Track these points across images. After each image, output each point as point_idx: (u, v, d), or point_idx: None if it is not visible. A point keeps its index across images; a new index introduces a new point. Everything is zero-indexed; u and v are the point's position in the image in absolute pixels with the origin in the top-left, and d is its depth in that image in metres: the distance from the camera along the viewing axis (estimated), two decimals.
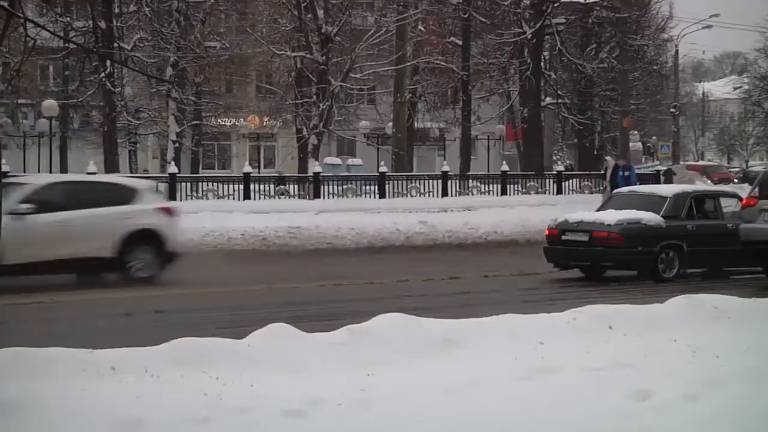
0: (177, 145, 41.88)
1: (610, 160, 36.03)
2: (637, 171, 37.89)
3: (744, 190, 36.36)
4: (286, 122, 42.43)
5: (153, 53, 42.40)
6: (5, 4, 7.97)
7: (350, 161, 50.14)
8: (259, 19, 43.08)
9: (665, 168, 46.31)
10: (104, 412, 7.60)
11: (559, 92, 48.87)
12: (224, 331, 11.79)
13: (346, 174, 41.88)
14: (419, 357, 9.58)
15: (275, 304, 16.37)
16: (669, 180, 40.27)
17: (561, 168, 42.89)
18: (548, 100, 49.47)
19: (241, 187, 33.28)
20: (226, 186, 33.67)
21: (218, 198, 32.84)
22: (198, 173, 42.69)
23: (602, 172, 37.38)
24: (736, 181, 54.65)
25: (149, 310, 15.64)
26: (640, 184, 36.23)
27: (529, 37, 44.55)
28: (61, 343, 9.07)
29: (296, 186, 34.83)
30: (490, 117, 51.38)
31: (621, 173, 33.70)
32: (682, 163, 64.45)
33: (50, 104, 42.00)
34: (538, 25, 44.37)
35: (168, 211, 20.35)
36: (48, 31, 9.69)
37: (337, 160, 48.99)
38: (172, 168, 34.04)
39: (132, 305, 16.23)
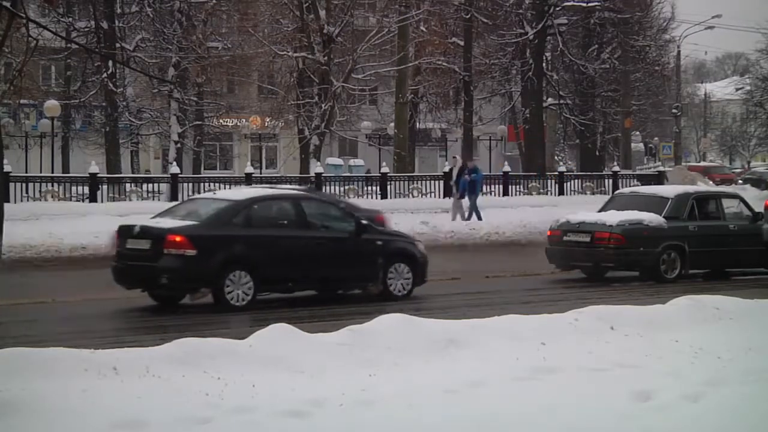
0: (179, 145, 41.85)
1: (457, 159, 34.02)
2: (638, 172, 37.01)
3: (746, 190, 36.32)
4: (288, 123, 42.32)
5: (155, 53, 42.34)
6: (8, 5, 7.98)
7: (352, 162, 50.13)
8: (260, 19, 43.00)
9: (660, 171, 45.43)
10: (105, 412, 7.61)
11: (560, 93, 48.79)
12: (225, 331, 11.81)
13: (348, 174, 41.86)
14: (420, 357, 9.58)
15: (277, 304, 16.36)
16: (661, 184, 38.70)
17: (563, 169, 42.82)
18: (550, 100, 49.39)
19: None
20: (227, 186, 33.63)
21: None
22: (200, 174, 42.63)
23: (448, 170, 35.20)
24: (740, 181, 54.43)
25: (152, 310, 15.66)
26: (641, 185, 35.88)
27: (531, 37, 44.49)
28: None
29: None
30: (491, 118, 51.30)
31: (467, 175, 31.89)
32: (684, 163, 64.30)
33: (52, 104, 41.93)
34: (540, 25, 44.31)
35: None
36: (50, 31, 9.67)
37: (339, 161, 48.99)
38: (174, 168, 34.04)
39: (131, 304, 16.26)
